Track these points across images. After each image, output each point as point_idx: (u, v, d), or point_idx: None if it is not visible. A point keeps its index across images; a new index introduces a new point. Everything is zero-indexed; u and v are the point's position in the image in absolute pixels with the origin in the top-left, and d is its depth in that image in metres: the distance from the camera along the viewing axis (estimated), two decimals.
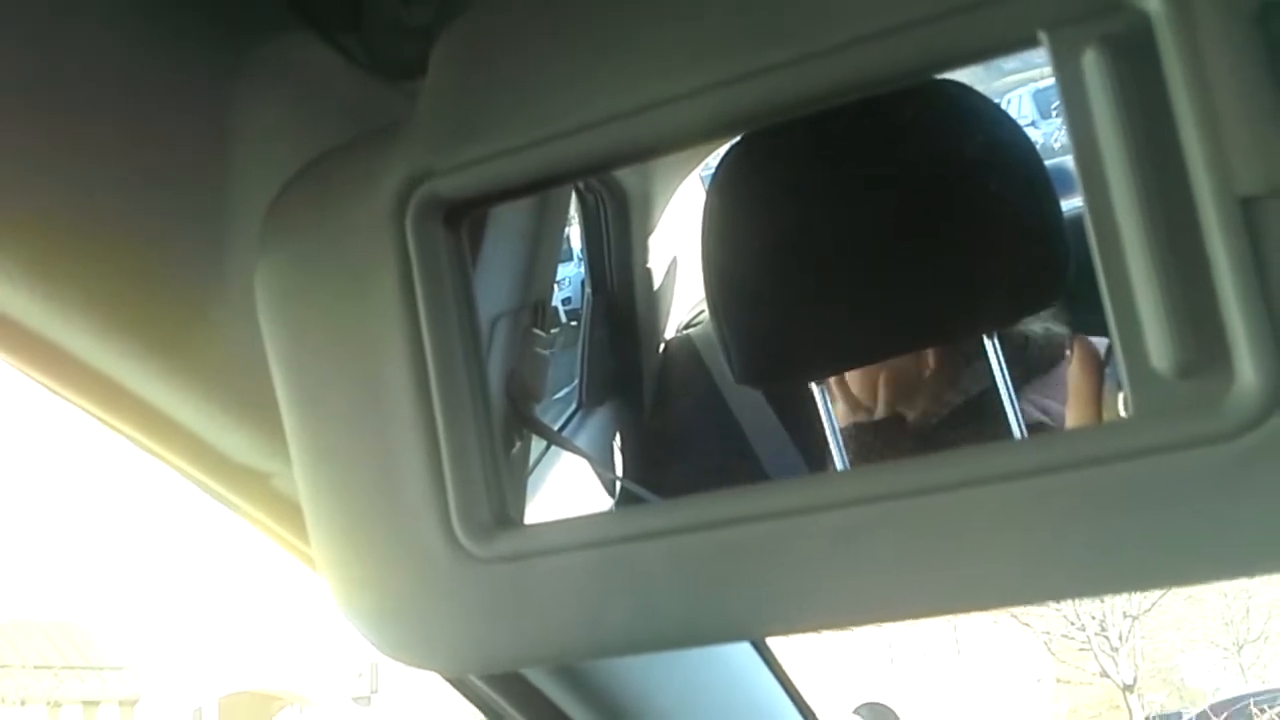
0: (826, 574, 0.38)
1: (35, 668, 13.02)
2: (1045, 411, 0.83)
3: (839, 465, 0.83)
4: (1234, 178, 0.32)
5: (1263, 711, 12.08)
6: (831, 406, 0.90)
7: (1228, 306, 0.32)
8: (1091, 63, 0.34)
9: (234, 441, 0.62)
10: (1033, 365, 0.87)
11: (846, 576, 0.38)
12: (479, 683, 0.83)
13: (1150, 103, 0.33)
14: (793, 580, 0.39)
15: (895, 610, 0.39)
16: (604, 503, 1.16)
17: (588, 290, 1.64)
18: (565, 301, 1.79)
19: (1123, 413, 0.35)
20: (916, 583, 0.37)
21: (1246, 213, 0.32)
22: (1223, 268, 0.32)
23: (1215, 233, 0.32)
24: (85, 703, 13.70)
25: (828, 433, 0.82)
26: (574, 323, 1.67)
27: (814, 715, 1.08)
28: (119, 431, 0.60)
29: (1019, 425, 0.77)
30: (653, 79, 0.39)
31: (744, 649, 1.00)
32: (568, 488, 1.01)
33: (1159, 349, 0.33)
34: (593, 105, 0.39)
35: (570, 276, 1.83)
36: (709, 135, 0.40)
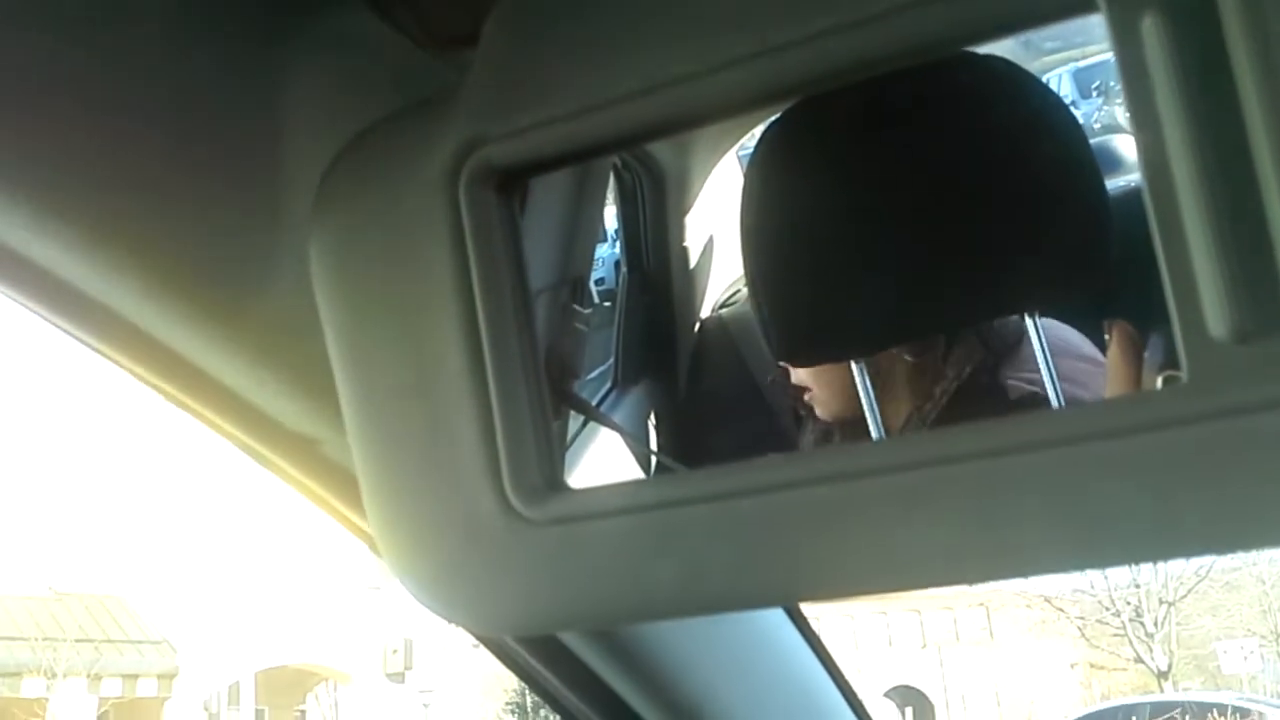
0: (868, 540, 0.39)
1: (76, 641, 13.26)
2: (1030, 383, 0.83)
3: (875, 437, 0.83)
4: None
5: None
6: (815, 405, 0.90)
7: None
8: (1150, 28, 0.33)
9: (285, 408, 0.63)
10: (995, 347, 0.86)
11: (888, 542, 0.38)
12: (516, 646, 0.84)
13: (1210, 68, 0.33)
14: (834, 546, 0.39)
15: (936, 576, 0.39)
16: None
17: (623, 269, 1.64)
18: (599, 282, 1.79)
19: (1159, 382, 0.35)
20: (958, 549, 0.37)
21: None
22: None
23: (1275, 197, 0.32)
24: (125, 676, 13.95)
25: (865, 407, 0.82)
26: (607, 303, 1.67)
27: (852, 690, 1.08)
28: (171, 398, 0.61)
29: (1057, 397, 0.77)
30: (703, 46, 0.39)
31: (781, 623, 1.01)
32: (603, 465, 1.02)
33: (1216, 314, 0.33)
34: (644, 72, 0.40)
35: (604, 257, 1.83)
36: (756, 103, 0.41)
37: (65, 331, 0.57)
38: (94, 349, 0.58)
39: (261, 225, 0.56)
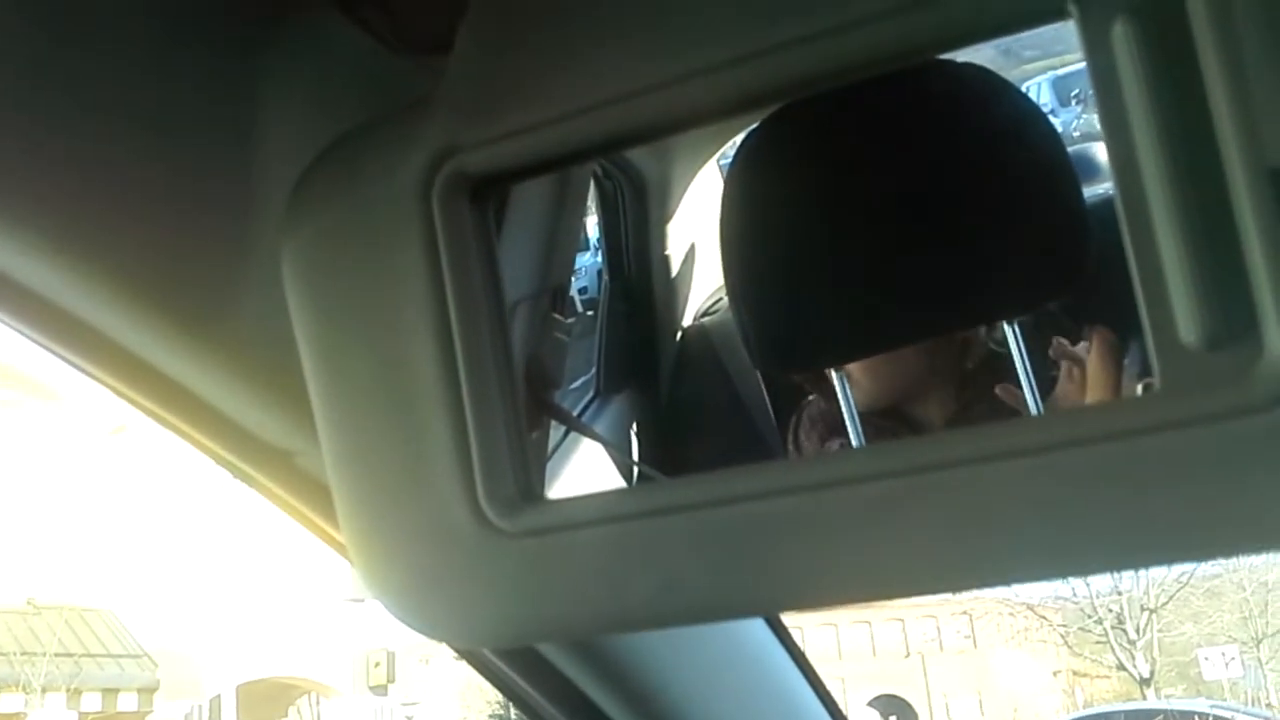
0: (847, 549, 0.38)
1: (55, 655, 13.13)
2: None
3: (856, 445, 0.83)
4: (1264, 148, 0.32)
5: None
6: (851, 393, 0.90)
7: (1257, 278, 0.32)
8: (1120, 34, 0.33)
9: (259, 419, 0.62)
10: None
11: (867, 551, 0.38)
12: (496, 659, 0.83)
13: (1180, 74, 0.33)
14: (814, 555, 0.39)
15: (917, 585, 0.39)
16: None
17: (605, 278, 1.64)
18: (582, 291, 1.79)
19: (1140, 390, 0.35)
20: (938, 557, 0.37)
21: (1277, 183, 0.32)
22: (1252, 239, 0.32)
23: (1245, 203, 0.32)
24: (105, 690, 13.82)
25: (845, 415, 0.82)
26: (590, 312, 1.67)
27: (832, 700, 1.08)
28: (143, 409, 0.61)
29: (1037, 405, 0.77)
30: (679, 52, 0.39)
31: (761, 632, 1.00)
32: (584, 476, 1.02)
33: (1187, 321, 0.33)
34: (619, 79, 0.39)
35: (586, 266, 1.83)
36: (733, 109, 0.40)
37: (34, 340, 0.56)
38: (64, 359, 0.58)
39: (234, 234, 0.55)
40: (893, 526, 0.37)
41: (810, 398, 1.03)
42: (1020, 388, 0.78)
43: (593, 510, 0.43)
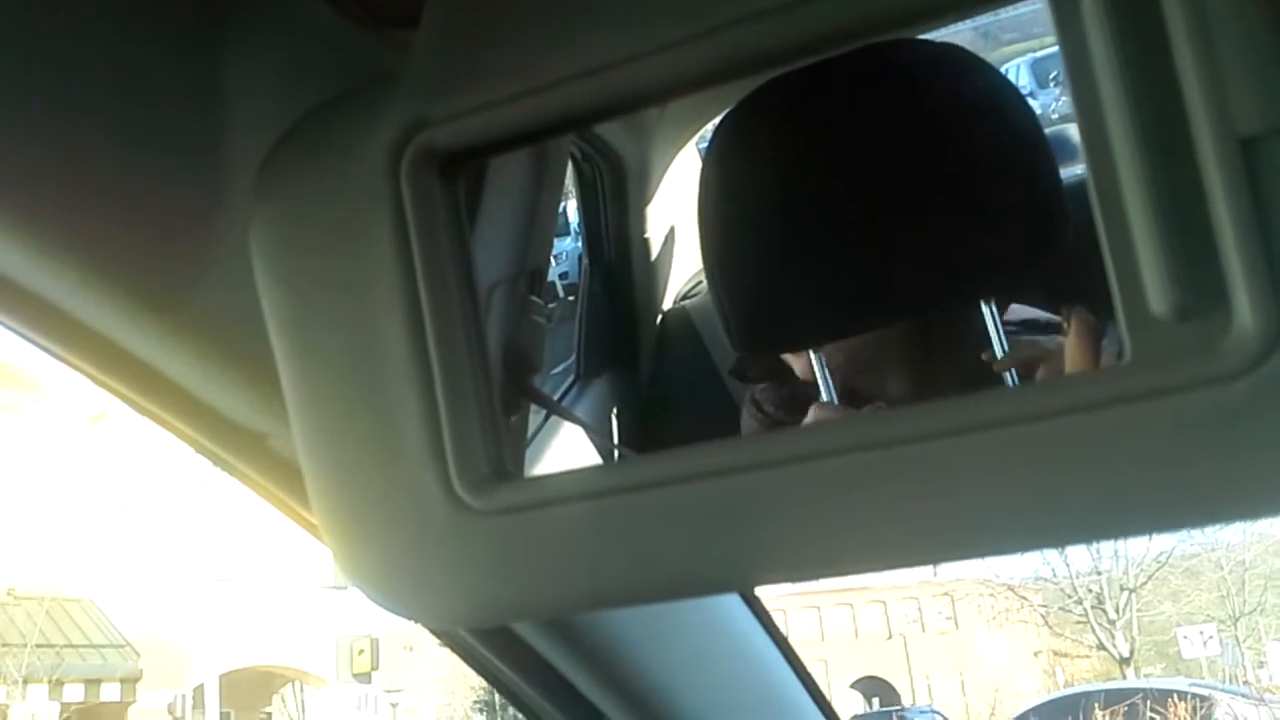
0: (823, 521, 0.38)
1: (37, 646, 13.07)
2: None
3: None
4: (1233, 118, 0.32)
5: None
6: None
7: (1226, 248, 0.32)
8: (1090, 6, 0.33)
9: (230, 400, 0.61)
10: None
11: (842, 524, 0.38)
12: (472, 639, 0.83)
13: (1150, 46, 0.33)
14: (788, 529, 0.39)
15: (892, 557, 0.39)
16: None
17: (585, 261, 1.64)
18: (563, 276, 1.78)
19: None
20: (913, 530, 0.37)
21: (1246, 153, 0.32)
22: (1221, 209, 0.32)
23: (1214, 174, 0.32)
24: (87, 681, 13.76)
25: (821, 389, 0.82)
26: (571, 298, 1.67)
27: (812, 679, 1.08)
28: (113, 391, 0.60)
29: (1012, 378, 0.77)
30: (650, 24, 0.38)
31: (741, 613, 1.01)
32: (565, 459, 1.01)
33: (1157, 292, 0.33)
34: (588, 52, 0.39)
35: (567, 251, 1.82)
36: (704, 81, 0.40)
37: (4, 325, 0.56)
38: (34, 343, 0.57)
39: (202, 214, 0.54)
40: (866, 500, 0.37)
41: (761, 387, 1.02)
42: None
43: (565, 488, 0.43)
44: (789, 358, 0.92)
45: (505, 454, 0.43)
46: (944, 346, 0.87)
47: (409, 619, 0.46)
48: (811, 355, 0.85)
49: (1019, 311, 0.84)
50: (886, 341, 0.87)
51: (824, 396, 0.82)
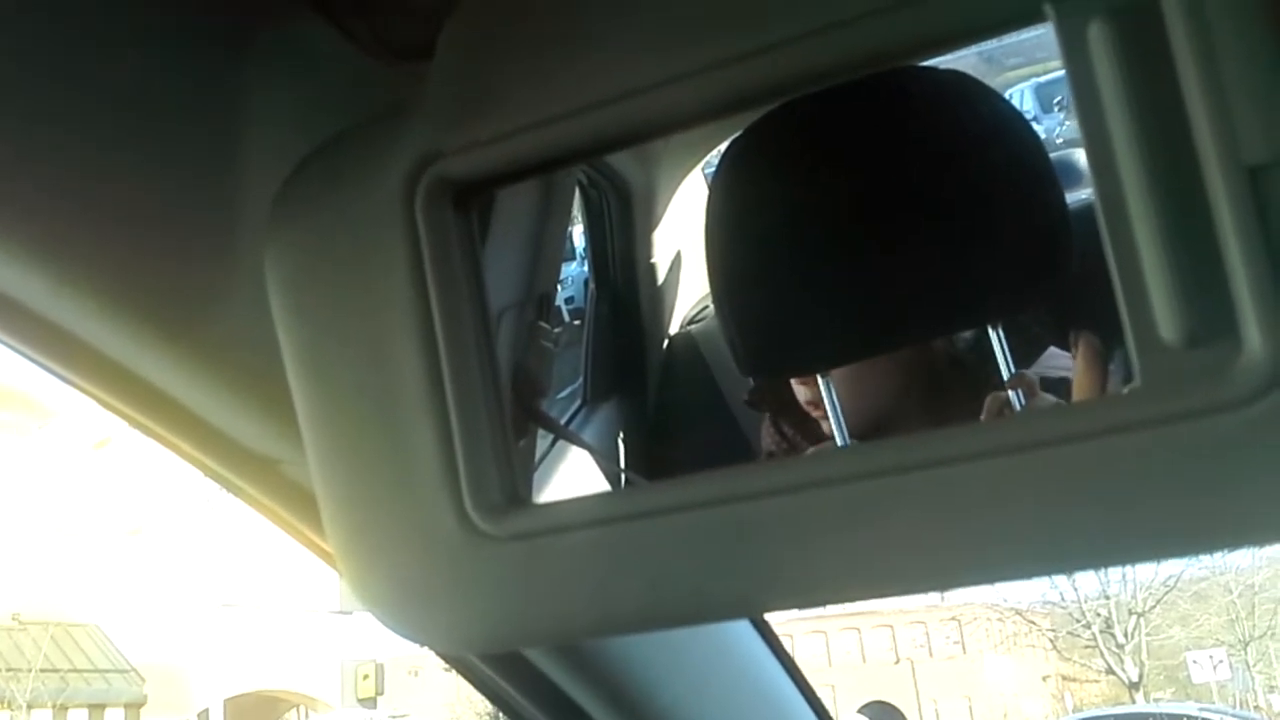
0: (831, 549, 0.39)
1: (41, 670, 13.03)
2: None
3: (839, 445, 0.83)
4: (1240, 147, 0.32)
5: None
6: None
7: (1235, 275, 0.32)
8: (1097, 35, 0.34)
9: (245, 427, 0.62)
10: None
11: (852, 550, 0.38)
12: (481, 663, 0.83)
13: (1156, 74, 0.33)
14: (798, 555, 0.39)
15: (902, 584, 0.39)
16: None
17: (591, 286, 1.64)
18: (569, 301, 1.79)
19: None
20: (922, 556, 0.37)
21: (1253, 181, 0.32)
22: (1229, 236, 0.32)
23: (1222, 202, 0.32)
24: (91, 706, 13.71)
25: (830, 417, 0.82)
26: (577, 322, 1.67)
27: (821, 705, 1.08)
28: (129, 418, 0.61)
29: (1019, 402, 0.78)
30: (661, 56, 0.39)
31: (750, 637, 1.00)
32: (573, 483, 1.01)
33: (1166, 319, 0.33)
34: (601, 83, 0.40)
35: (573, 275, 1.83)
36: (713, 113, 0.41)
37: (18, 352, 0.56)
38: (49, 370, 0.57)
39: (218, 243, 0.55)
40: (876, 526, 0.38)
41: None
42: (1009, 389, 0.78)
43: (578, 514, 0.43)
44: (794, 385, 0.93)
45: (519, 481, 0.43)
46: (952, 380, 0.88)
47: (422, 644, 0.46)
48: (820, 382, 0.85)
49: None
50: (891, 373, 0.88)
51: (832, 424, 0.82)
